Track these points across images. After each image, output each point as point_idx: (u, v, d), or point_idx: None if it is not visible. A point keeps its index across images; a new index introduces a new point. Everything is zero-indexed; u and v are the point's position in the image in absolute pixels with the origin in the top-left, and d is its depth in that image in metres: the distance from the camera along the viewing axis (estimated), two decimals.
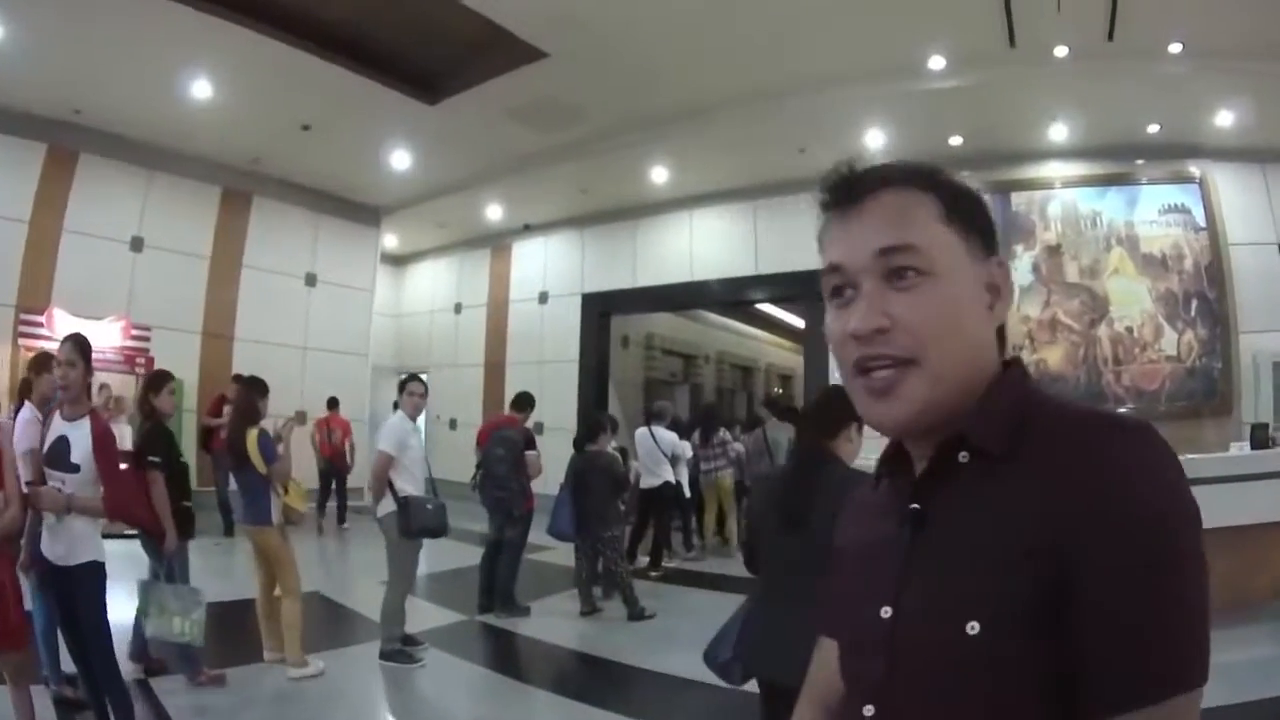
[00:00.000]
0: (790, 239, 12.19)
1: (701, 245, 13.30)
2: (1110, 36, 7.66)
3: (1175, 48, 8.00)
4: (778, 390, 21.86)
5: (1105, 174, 10.70)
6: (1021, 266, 10.88)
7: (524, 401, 8.07)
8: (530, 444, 7.70)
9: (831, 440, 2.85)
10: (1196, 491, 0.84)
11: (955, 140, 10.23)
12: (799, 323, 19.51)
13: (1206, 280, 10.22)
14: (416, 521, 5.76)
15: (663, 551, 9.56)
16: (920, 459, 1.01)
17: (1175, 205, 10.42)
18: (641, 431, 9.64)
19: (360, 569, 9.61)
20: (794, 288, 12.61)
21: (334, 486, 12.13)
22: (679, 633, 6.74)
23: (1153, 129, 9.90)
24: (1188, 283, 10.30)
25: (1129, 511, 0.81)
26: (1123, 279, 10.50)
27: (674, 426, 10.07)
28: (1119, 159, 10.58)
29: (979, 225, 1.01)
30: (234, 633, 5.01)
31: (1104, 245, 10.64)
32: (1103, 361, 10.49)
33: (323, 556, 9.67)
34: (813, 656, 1.29)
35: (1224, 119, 9.31)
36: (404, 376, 6.53)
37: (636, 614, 7.19)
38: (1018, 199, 11.00)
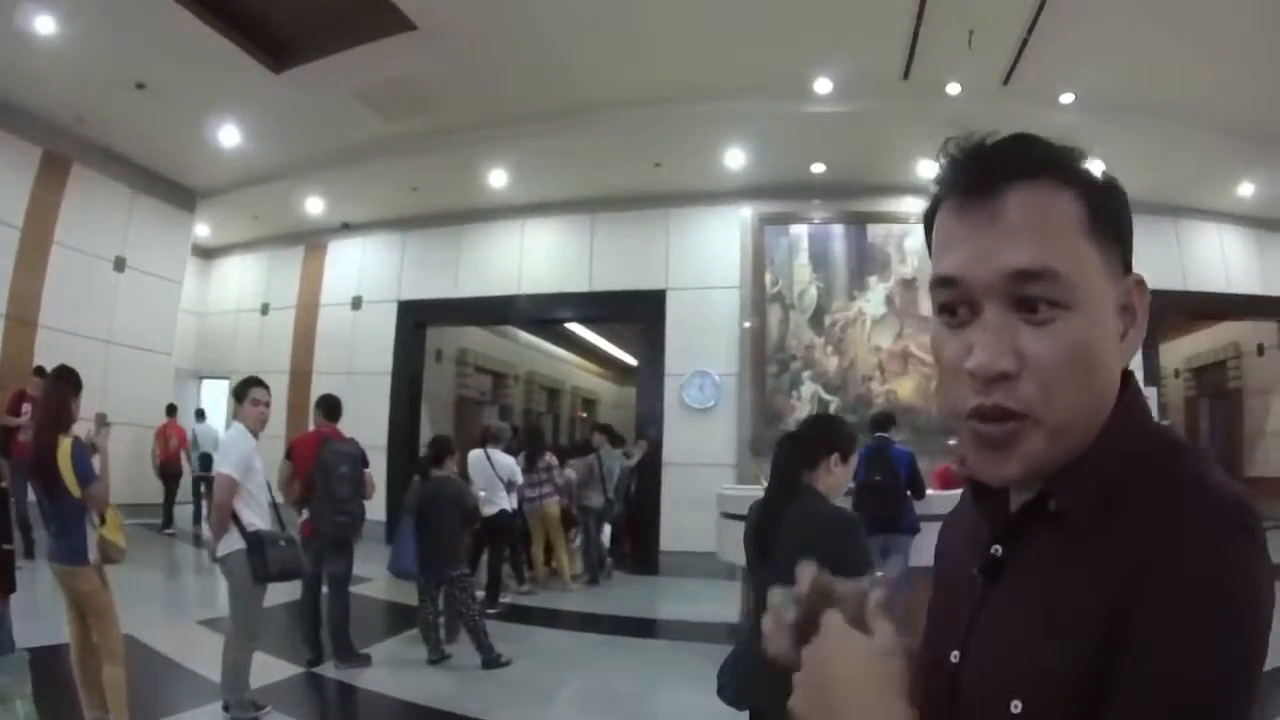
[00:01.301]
0: (630, 255, 12.08)
1: (532, 257, 12.91)
2: (1007, 80, 7.84)
3: (1067, 97, 8.54)
4: (583, 414, 22.45)
5: None
6: (875, 299, 11.31)
7: (335, 407, 7.09)
8: (365, 461, 6.82)
9: (811, 470, 2.91)
10: None
11: (818, 167, 10.41)
12: (611, 347, 19.57)
13: None
14: (275, 564, 4.85)
15: (499, 587, 8.79)
16: (1016, 491, 0.90)
17: None
18: (477, 454, 8.91)
19: (174, 604, 8.46)
20: (629, 306, 12.39)
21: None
22: (540, 681, 6.41)
23: None
24: None
25: (1195, 616, 0.70)
26: None
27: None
28: None
29: (1122, 234, 0.87)
30: (48, 692, 3.85)
31: None
32: None
33: (125, 587, 8.23)
34: None
35: (1094, 169, 9.57)
36: (243, 379, 5.57)
37: (491, 661, 6.58)
38: (875, 231, 11.43)
